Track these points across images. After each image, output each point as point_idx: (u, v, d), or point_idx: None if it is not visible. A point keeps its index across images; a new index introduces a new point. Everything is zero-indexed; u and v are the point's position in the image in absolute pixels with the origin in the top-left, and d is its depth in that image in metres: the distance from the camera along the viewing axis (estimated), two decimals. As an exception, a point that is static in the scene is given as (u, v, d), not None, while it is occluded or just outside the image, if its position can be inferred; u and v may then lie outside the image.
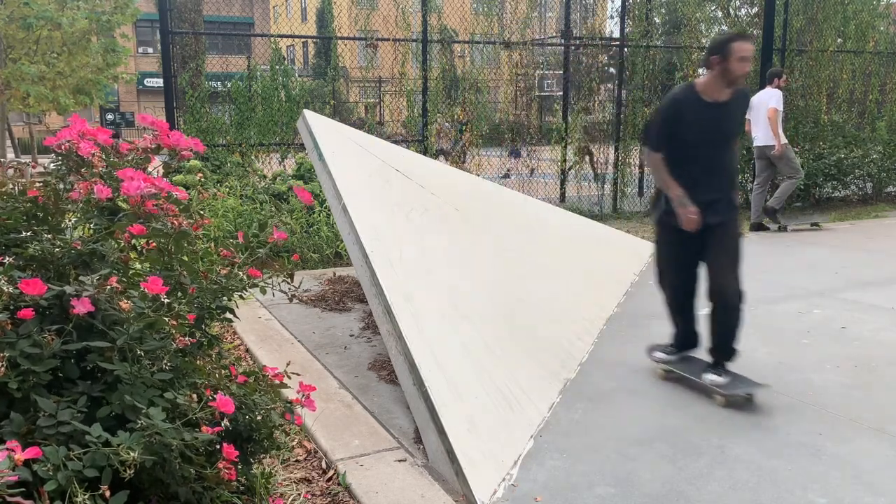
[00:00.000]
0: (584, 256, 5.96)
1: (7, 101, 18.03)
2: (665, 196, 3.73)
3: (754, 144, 8.69)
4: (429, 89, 9.06)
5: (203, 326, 2.30)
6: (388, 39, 9.19)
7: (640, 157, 10.67)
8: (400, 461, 2.97)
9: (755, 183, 8.97)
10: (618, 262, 6.33)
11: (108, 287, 1.90)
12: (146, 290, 1.96)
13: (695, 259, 3.76)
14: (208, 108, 8.19)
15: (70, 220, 2.28)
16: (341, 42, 9.12)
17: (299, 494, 2.72)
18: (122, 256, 2.19)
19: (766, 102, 8.38)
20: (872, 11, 11.40)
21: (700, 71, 10.76)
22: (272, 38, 9.51)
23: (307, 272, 6.33)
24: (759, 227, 8.82)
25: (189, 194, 2.36)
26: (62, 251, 2.05)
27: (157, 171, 2.43)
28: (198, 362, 2.25)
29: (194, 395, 1.93)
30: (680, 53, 10.55)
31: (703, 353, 3.85)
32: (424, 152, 8.96)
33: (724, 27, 12.32)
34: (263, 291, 2.40)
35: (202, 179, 7.31)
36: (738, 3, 17.56)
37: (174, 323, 2.03)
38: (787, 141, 8.56)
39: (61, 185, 2.24)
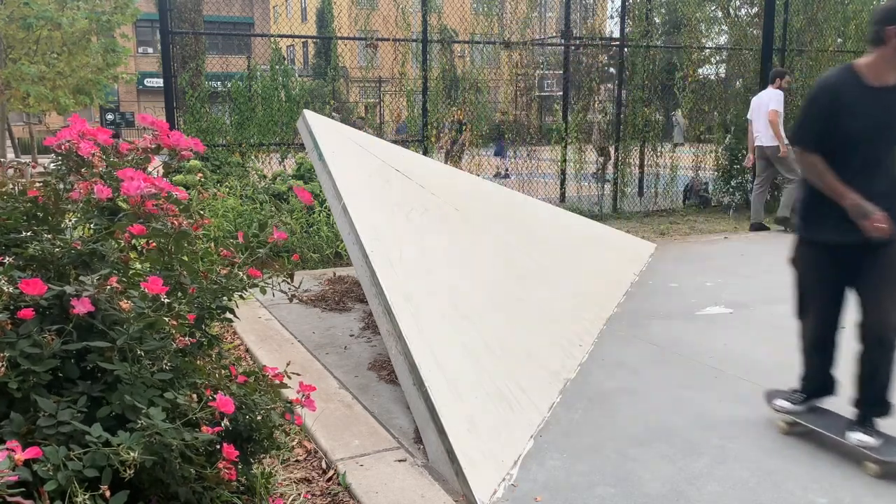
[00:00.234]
0: (584, 256, 5.96)
1: (7, 101, 18.02)
2: (809, 207, 3.12)
3: (756, 144, 8.70)
4: (429, 89, 9.06)
5: (203, 326, 2.30)
6: (388, 39, 9.20)
7: (641, 156, 10.71)
8: (400, 461, 2.97)
9: (755, 183, 8.98)
10: (618, 262, 6.33)
11: (108, 287, 1.90)
12: (146, 290, 1.96)
13: (844, 285, 3.11)
14: (208, 108, 8.19)
15: (70, 220, 2.28)
16: (341, 42, 9.13)
17: (299, 494, 2.72)
18: (122, 256, 2.19)
19: (767, 104, 8.38)
20: (872, 11, 11.40)
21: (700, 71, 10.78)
22: (272, 38, 9.52)
23: (307, 272, 6.33)
24: (759, 226, 8.83)
25: (189, 194, 2.36)
26: (62, 251, 2.05)
27: (157, 171, 2.43)
28: (198, 362, 2.25)
29: (194, 395, 1.93)
30: (680, 53, 10.55)
31: (831, 401, 3.30)
32: (425, 152, 8.96)
33: (725, 27, 12.33)
34: (263, 291, 2.40)
35: (202, 179, 7.31)
36: (738, 3, 17.57)
37: (174, 323, 2.03)
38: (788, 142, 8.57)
39: (61, 185, 2.24)
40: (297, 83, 8.77)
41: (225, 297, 2.33)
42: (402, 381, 3.31)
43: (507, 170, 10.80)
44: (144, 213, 2.13)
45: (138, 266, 2.31)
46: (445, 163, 8.97)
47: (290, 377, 2.33)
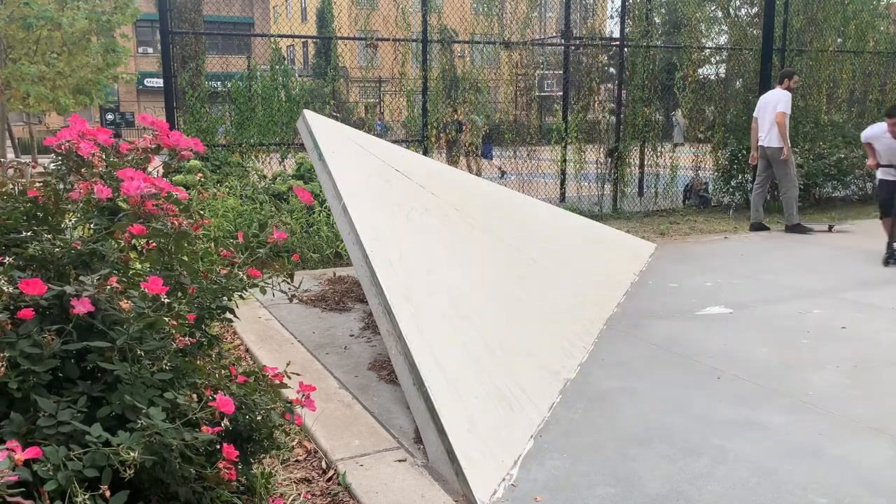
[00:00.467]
0: (584, 256, 5.96)
1: (7, 101, 18.03)
2: None
3: (759, 144, 8.71)
4: (429, 89, 9.07)
5: (203, 326, 2.30)
6: (388, 39, 9.19)
7: (641, 156, 10.70)
8: (400, 461, 2.97)
9: (755, 183, 8.98)
10: (618, 262, 6.33)
11: (108, 287, 1.90)
12: (146, 290, 1.96)
13: None
14: (208, 109, 8.19)
15: (70, 220, 2.28)
16: (341, 42, 9.13)
17: (299, 494, 2.72)
18: (122, 256, 2.19)
19: (775, 105, 8.38)
20: (872, 11, 11.40)
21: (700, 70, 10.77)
22: (272, 38, 9.52)
23: (307, 272, 6.33)
24: (759, 226, 8.83)
25: (189, 194, 2.36)
26: (62, 251, 2.05)
27: (157, 171, 2.43)
28: (198, 362, 2.25)
29: (194, 395, 1.93)
30: (680, 53, 10.55)
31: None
32: (425, 152, 8.96)
33: (725, 27, 12.32)
34: (263, 291, 2.40)
35: (202, 179, 7.31)
36: (738, 3, 17.57)
37: (174, 323, 2.03)
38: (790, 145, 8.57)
39: (61, 185, 2.24)
40: (297, 83, 8.77)
41: (225, 297, 2.33)
42: (402, 381, 3.31)
43: (500, 168, 10.79)
44: (144, 213, 2.13)
45: (138, 266, 2.31)
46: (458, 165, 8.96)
47: (290, 377, 2.33)
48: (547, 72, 11.81)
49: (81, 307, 1.82)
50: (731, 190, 10.88)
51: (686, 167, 11.03)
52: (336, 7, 10.46)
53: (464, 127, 9.66)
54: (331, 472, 2.90)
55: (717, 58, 12.26)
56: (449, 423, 2.90)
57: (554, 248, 5.66)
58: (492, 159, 10.61)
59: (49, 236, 2.09)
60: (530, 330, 4.16)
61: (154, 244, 2.25)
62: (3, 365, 1.75)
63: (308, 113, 4.90)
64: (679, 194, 10.99)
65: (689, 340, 4.53)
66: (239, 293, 2.35)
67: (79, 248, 2.08)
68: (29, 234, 2.11)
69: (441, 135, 9.30)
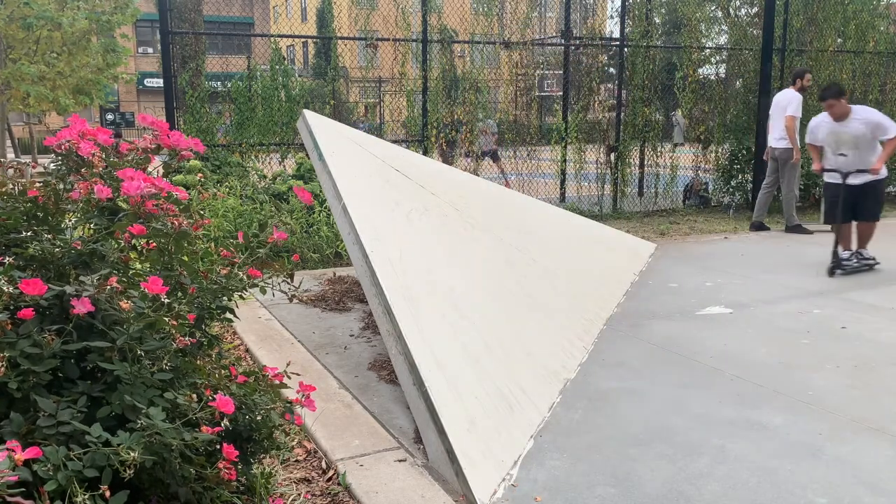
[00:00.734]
0: (584, 256, 5.96)
1: (7, 101, 18.02)
2: None
3: (769, 144, 8.72)
4: (429, 89, 9.07)
5: (203, 326, 2.30)
6: (388, 39, 9.19)
7: (641, 156, 10.69)
8: (400, 461, 2.97)
9: (764, 182, 8.97)
10: (618, 262, 6.33)
11: (108, 287, 1.90)
12: (146, 290, 1.96)
13: None
14: (208, 109, 8.19)
15: (70, 220, 2.28)
16: (341, 42, 9.12)
17: (299, 494, 2.72)
18: (122, 256, 2.19)
19: (785, 107, 8.37)
20: (872, 11, 11.39)
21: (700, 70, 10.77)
22: (272, 38, 9.51)
23: (307, 272, 6.33)
24: (759, 226, 8.83)
25: (189, 194, 2.36)
26: (62, 251, 2.05)
27: (157, 171, 2.43)
28: (198, 362, 2.25)
29: (194, 395, 1.93)
30: (680, 53, 10.54)
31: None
32: (425, 152, 8.96)
33: (725, 27, 12.32)
34: (263, 291, 2.40)
35: (202, 179, 7.31)
36: (738, 3, 17.58)
37: (174, 323, 2.03)
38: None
39: (61, 185, 2.24)
40: (297, 83, 8.76)
41: (225, 297, 2.33)
42: (402, 381, 3.31)
43: (501, 169, 10.77)
44: (144, 213, 2.13)
45: (138, 266, 2.31)
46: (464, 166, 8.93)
47: (290, 377, 2.33)
48: (547, 72, 11.80)
49: (81, 307, 1.82)
50: (731, 190, 10.88)
51: (686, 167, 11.03)
52: (336, 7, 10.46)
53: (464, 127, 9.65)
54: (331, 472, 2.90)
55: (717, 58, 12.26)
56: (449, 423, 2.90)
57: (554, 247, 5.66)
58: (499, 160, 10.59)
59: (49, 236, 2.10)
60: (530, 330, 4.16)
61: (154, 244, 2.25)
62: (3, 365, 1.75)
63: (308, 113, 4.90)
64: (679, 194, 10.99)
65: (689, 340, 4.53)
66: (239, 293, 2.34)
67: (79, 248, 2.08)
68: (29, 234, 2.11)
69: (441, 135, 9.30)
